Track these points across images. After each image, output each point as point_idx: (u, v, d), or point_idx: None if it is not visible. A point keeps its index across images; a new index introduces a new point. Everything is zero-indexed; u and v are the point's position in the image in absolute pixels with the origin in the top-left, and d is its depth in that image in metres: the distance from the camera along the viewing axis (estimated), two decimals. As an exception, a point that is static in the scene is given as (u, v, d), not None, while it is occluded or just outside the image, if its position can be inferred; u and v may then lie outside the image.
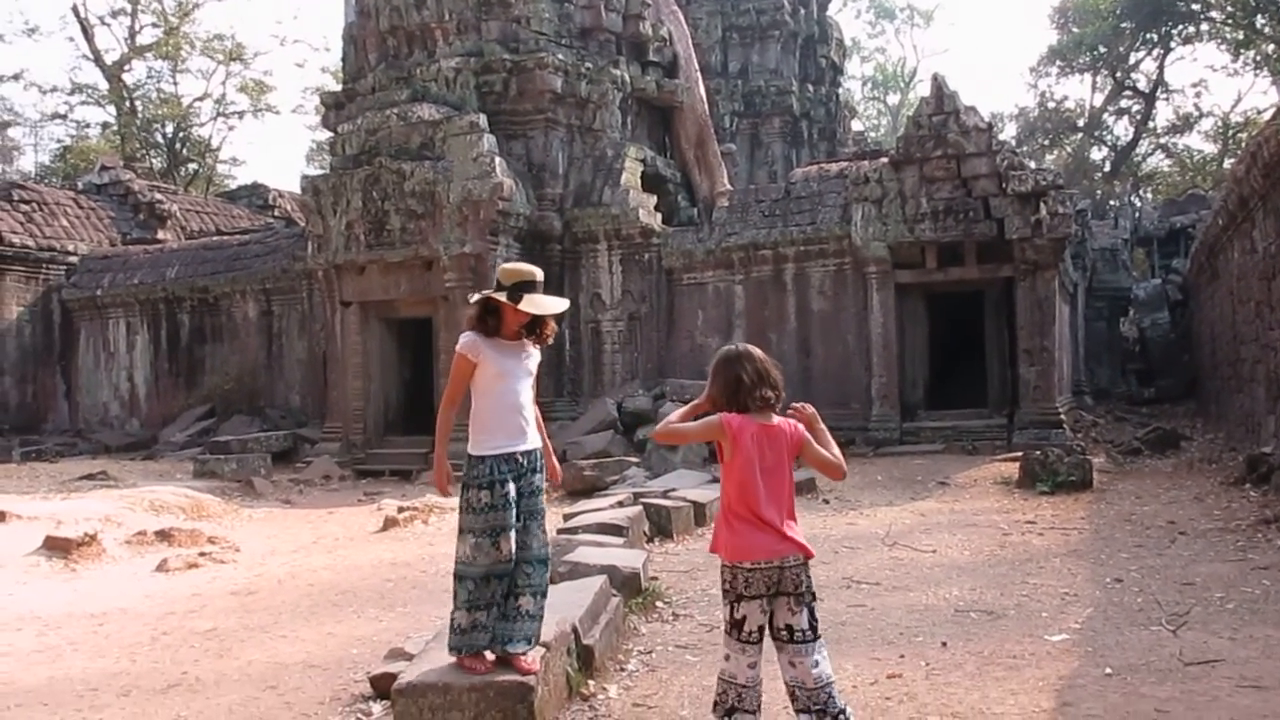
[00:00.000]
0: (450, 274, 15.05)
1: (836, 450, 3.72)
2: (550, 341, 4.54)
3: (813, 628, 3.57)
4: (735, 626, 3.54)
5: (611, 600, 5.61)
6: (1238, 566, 6.64)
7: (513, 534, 4.18)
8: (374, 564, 8.62)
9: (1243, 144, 37.35)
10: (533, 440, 4.36)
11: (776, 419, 3.64)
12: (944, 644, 5.14)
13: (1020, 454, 11.52)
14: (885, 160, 14.64)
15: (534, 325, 4.39)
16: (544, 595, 4.38)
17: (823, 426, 3.72)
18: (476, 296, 4.39)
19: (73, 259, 21.18)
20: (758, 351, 3.69)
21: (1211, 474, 11.26)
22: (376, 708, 4.66)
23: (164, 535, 9.82)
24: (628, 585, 6.19)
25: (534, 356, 4.46)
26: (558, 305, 4.44)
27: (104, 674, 5.49)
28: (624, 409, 14.86)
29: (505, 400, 4.28)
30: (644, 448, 13.65)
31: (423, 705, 3.88)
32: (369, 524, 10.83)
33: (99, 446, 19.12)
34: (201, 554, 9.20)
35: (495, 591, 4.19)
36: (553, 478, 4.55)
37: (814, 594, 3.61)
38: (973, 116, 13.86)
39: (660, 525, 8.94)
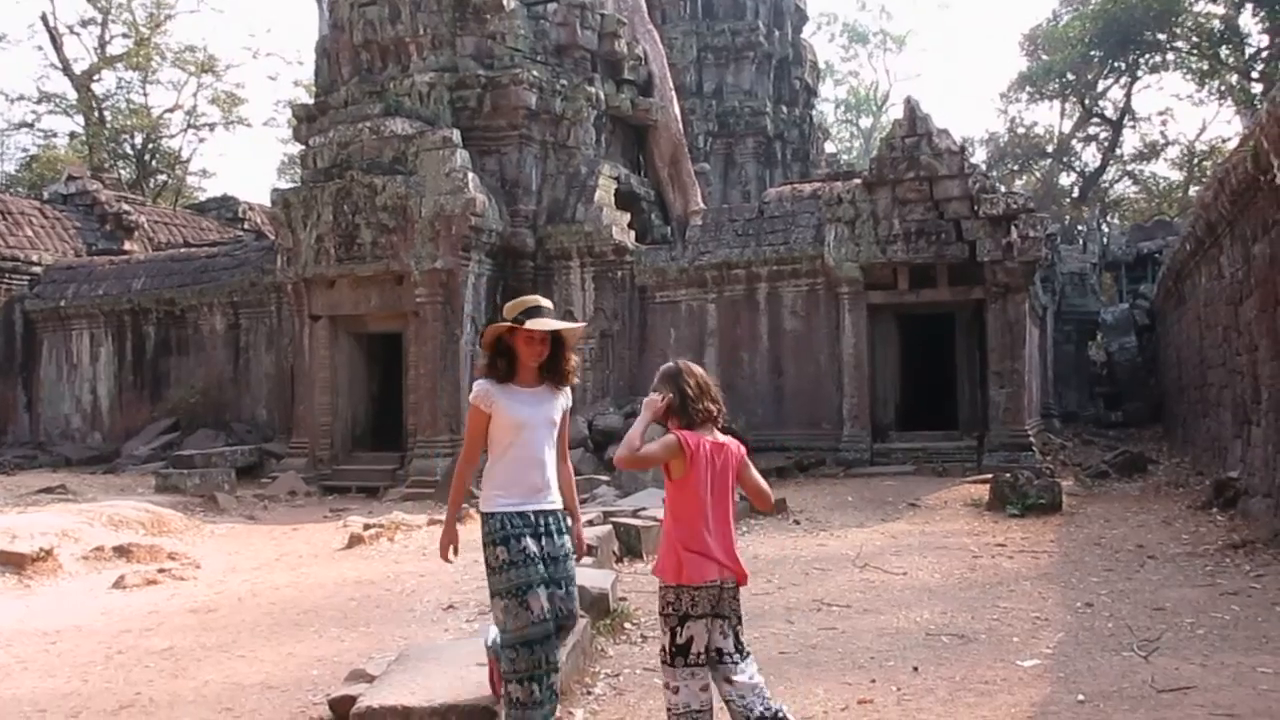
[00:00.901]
0: (421, 289, 14.93)
1: (764, 481, 3.82)
2: (575, 379, 4.14)
3: (739, 649, 3.61)
4: (681, 652, 3.52)
5: (579, 621, 5.50)
6: (1206, 592, 6.64)
7: (542, 591, 3.82)
8: (338, 582, 8.46)
9: (1208, 172, 37.98)
10: (554, 500, 4.00)
11: (721, 436, 3.67)
12: (915, 668, 5.08)
13: (990, 476, 11.52)
14: (858, 181, 14.70)
15: (554, 365, 4.03)
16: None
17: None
18: (486, 335, 4.09)
19: (37, 269, 20.86)
20: (697, 367, 3.73)
21: (1179, 498, 11.31)
22: (335, 732, 4.52)
23: (122, 551, 9.62)
24: (596, 606, 6.08)
25: (558, 404, 4.08)
26: (567, 325, 4.10)
27: (54, 694, 5.32)
28: (595, 427, 14.77)
29: (522, 454, 3.93)
30: (614, 466, 13.55)
31: (382, 730, 3.75)
32: (334, 541, 10.66)
33: (59, 459, 18.79)
34: (161, 570, 9.01)
35: (542, 658, 3.80)
36: (578, 549, 4.16)
37: (740, 618, 3.66)
38: (945, 139, 13.95)
39: (630, 545, 8.85)
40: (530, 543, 3.86)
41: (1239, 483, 9.92)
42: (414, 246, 14.87)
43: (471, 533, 10.95)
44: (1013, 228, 13.57)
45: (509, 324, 3.96)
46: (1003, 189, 14.42)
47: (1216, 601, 6.33)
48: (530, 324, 3.92)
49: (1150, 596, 6.56)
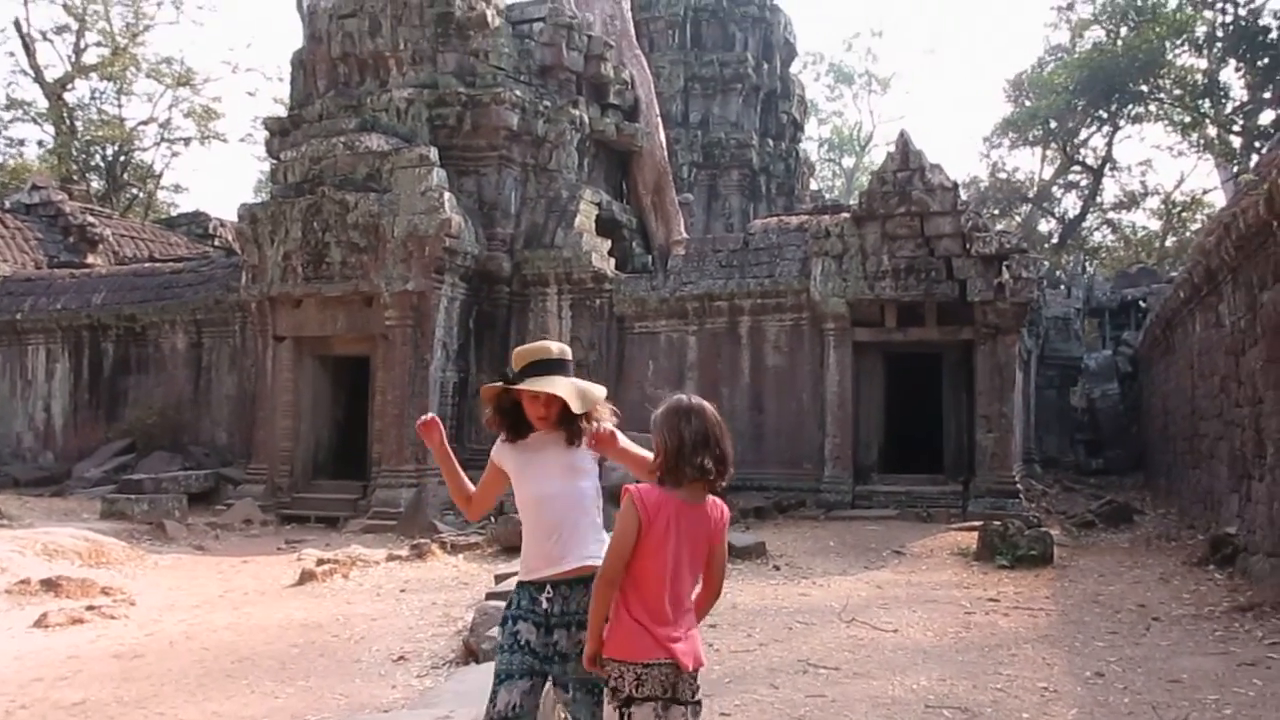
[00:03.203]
0: (391, 311, 14.34)
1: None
2: (586, 443, 3.32)
3: None
4: None
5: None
6: (1222, 661, 6.12)
7: (520, 683, 3.17)
8: (282, 625, 7.84)
9: (1185, 223, 38.04)
10: (578, 561, 3.24)
11: (707, 498, 3.07)
12: (918, 751, 4.52)
13: (978, 524, 11.06)
14: (847, 215, 14.28)
15: (569, 418, 3.29)
16: None
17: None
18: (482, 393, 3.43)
19: (-7, 280, 20.09)
20: (711, 411, 3.07)
21: (1171, 552, 10.85)
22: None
23: (50, 585, 8.95)
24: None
25: (589, 455, 3.37)
26: (570, 390, 3.24)
27: (-66, 758, 4.67)
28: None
29: (538, 517, 3.30)
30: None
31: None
32: (285, 576, 10.04)
33: (7, 480, 18.00)
34: (90, 607, 8.34)
35: None
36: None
37: (699, 703, 3.08)
38: (938, 175, 13.56)
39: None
40: (524, 627, 3.22)
41: (1238, 539, 9.48)
42: (385, 267, 14.30)
43: (432, 571, 10.36)
44: (1004, 268, 13.17)
45: (503, 385, 3.30)
46: (997, 227, 14.03)
47: (1235, 674, 5.80)
48: (526, 385, 3.24)
49: (1163, 666, 6.02)
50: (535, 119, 15.79)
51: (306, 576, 9.78)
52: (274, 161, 16.91)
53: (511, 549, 10.93)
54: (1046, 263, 37.55)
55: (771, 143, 24.96)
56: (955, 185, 13.68)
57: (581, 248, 15.36)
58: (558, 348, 3.36)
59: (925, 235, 13.49)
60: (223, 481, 16.00)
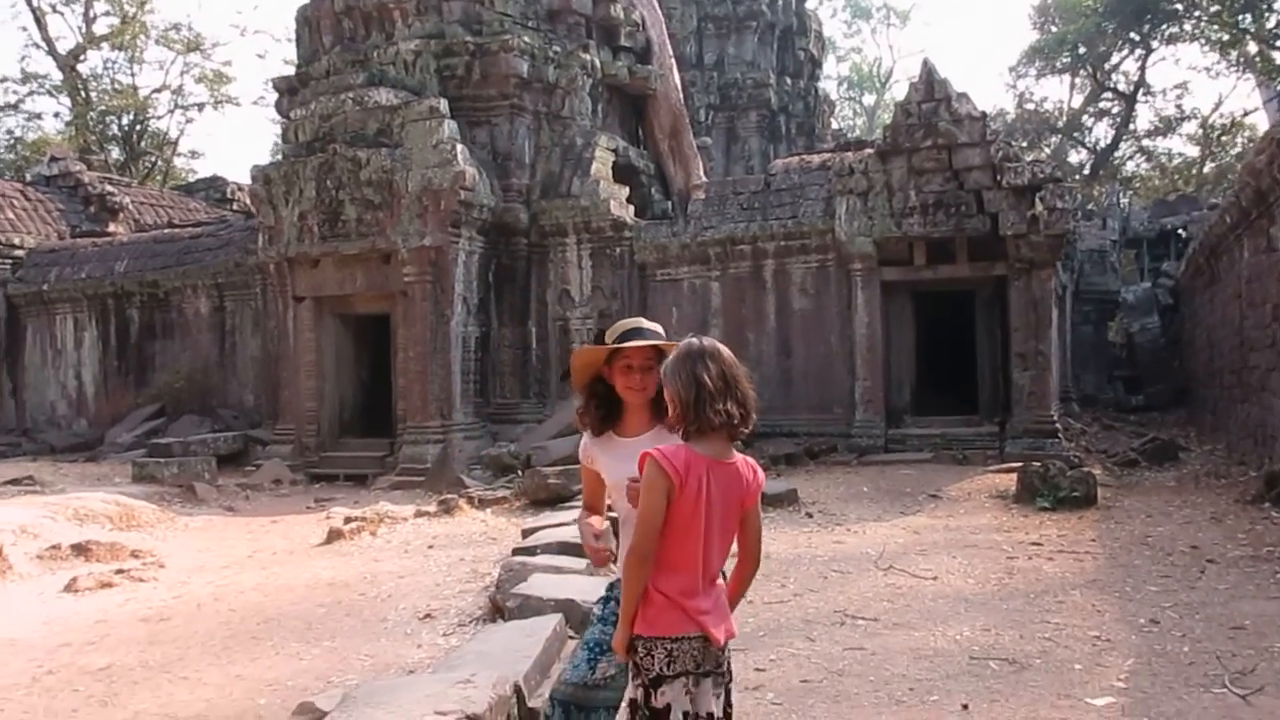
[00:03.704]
0: (409, 268, 14.13)
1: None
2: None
3: (728, 716, 2.80)
4: (658, 718, 2.70)
5: (568, 645, 4.74)
6: (1286, 604, 5.84)
7: (615, 661, 3.04)
8: (309, 584, 7.75)
9: (1225, 147, 36.89)
10: None
11: (736, 455, 2.76)
12: (965, 706, 4.28)
13: (1016, 465, 10.76)
14: (871, 151, 13.83)
15: (661, 401, 3.03)
16: None
17: None
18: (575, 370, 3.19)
19: (19, 253, 20.16)
20: (726, 352, 2.78)
21: (1221, 490, 10.51)
22: (270, 789, 3.77)
23: (81, 549, 8.95)
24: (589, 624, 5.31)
25: None
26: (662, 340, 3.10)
27: (-46, 732, 4.58)
28: (592, 413, 13.96)
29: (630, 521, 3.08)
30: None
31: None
32: (313, 535, 9.96)
33: (44, 447, 18.20)
34: (119, 571, 8.33)
35: None
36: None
37: (731, 675, 2.85)
38: (965, 104, 13.05)
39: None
40: None
41: (1294, 474, 9.14)
42: (401, 223, 14.06)
43: (460, 526, 10.23)
44: (1038, 199, 12.69)
45: (599, 348, 3.10)
46: (1028, 158, 13.53)
47: (1301, 618, 5.53)
48: (616, 341, 3.07)
49: (1223, 611, 5.74)
50: (545, 65, 15.39)
51: (334, 535, 9.70)
52: (284, 121, 16.63)
53: (539, 503, 10.81)
54: (1079, 194, 36.73)
55: (790, 81, 24.35)
56: (983, 115, 13.16)
57: (599, 196, 15.04)
58: (650, 323, 3.16)
59: (953, 168, 13.03)
60: (251, 443, 16.01)
